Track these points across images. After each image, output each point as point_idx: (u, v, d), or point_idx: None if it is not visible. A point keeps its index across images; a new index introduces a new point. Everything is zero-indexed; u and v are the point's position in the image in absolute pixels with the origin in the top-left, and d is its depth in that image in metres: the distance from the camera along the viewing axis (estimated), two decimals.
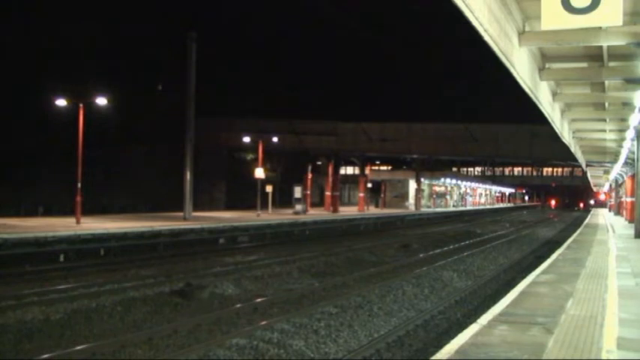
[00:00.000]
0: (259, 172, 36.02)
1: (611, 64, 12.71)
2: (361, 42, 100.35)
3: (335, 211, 44.32)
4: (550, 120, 16.84)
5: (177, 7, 65.13)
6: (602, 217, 48.65)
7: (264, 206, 37.03)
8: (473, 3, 7.30)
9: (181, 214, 29.72)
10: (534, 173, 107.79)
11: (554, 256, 15.86)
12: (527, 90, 12.33)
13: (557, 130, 19.48)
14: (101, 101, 25.06)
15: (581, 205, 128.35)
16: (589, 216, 54.92)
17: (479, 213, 70.41)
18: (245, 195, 48.77)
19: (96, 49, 46.66)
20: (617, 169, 35.82)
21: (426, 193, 62.12)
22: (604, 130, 23.61)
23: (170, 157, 40.84)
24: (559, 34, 9.36)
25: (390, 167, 72.56)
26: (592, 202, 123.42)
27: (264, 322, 10.63)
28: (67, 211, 31.15)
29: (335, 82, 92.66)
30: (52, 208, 35.32)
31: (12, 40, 42.62)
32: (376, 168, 71.71)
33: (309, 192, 46.50)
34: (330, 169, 46.39)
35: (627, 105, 16.92)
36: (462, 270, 18.67)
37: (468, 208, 76.45)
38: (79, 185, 24.14)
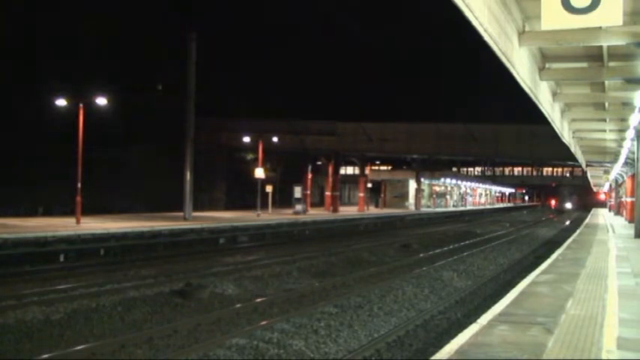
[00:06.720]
0: (259, 172, 36.03)
1: (611, 64, 12.70)
2: (361, 42, 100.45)
3: (335, 211, 44.32)
4: (550, 120, 16.83)
5: (177, 7, 65.11)
6: (602, 217, 48.62)
7: (264, 206, 37.03)
8: (473, 3, 7.30)
9: (181, 214, 29.75)
10: (534, 173, 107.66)
11: (554, 256, 15.84)
12: (527, 90, 12.32)
13: (557, 130, 19.47)
14: (101, 101, 25.11)
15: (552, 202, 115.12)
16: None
17: (479, 213, 70.42)
18: (245, 195, 48.75)
19: (96, 49, 46.67)
20: (617, 169, 35.79)
21: (426, 193, 62.14)
22: (604, 130, 23.60)
23: (170, 157, 40.79)
24: (559, 34, 9.35)
25: (390, 167, 72.50)
26: (568, 205, 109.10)
27: (264, 322, 10.63)
28: (67, 211, 31.14)
29: (335, 82, 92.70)
30: (52, 208, 35.27)
31: (12, 39, 42.59)
32: (376, 168, 71.68)
33: (309, 192, 46.52)
34: (330, 169, 46.39)
35: (627, 105, 16.89)
36: (461, 270, 18.66)
37: (468, 208, 76.43)
38: (79, 185, 24.17)
